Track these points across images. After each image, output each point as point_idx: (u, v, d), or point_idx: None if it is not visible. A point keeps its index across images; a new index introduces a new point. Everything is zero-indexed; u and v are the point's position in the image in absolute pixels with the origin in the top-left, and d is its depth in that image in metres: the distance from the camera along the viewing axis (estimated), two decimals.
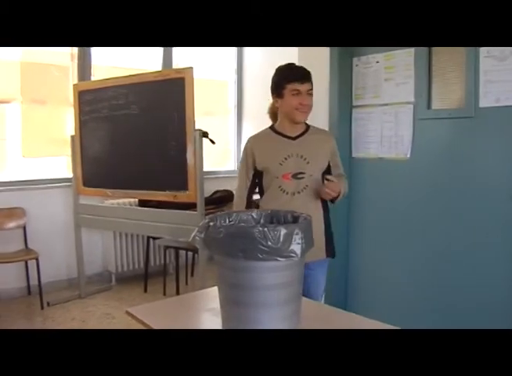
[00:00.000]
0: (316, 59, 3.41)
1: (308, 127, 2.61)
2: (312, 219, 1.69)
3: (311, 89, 2.47)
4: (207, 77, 5.95)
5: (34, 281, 4.59)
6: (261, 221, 1.81)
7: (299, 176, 2.49)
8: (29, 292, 4.72)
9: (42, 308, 4.39)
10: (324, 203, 2.58)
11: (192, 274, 5.15)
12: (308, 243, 1.54)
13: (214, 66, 6.05)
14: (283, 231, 1.46)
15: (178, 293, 4.49)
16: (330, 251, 2.62)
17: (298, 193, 2.50)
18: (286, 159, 2.50)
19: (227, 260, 1.54)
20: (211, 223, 1.56)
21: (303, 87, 2.44)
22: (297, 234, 1.49)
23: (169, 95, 3.88)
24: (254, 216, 1.80)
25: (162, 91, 3.93)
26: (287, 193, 2.50)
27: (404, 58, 3.17)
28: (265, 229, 1.45)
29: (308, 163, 2.50)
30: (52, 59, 5.10)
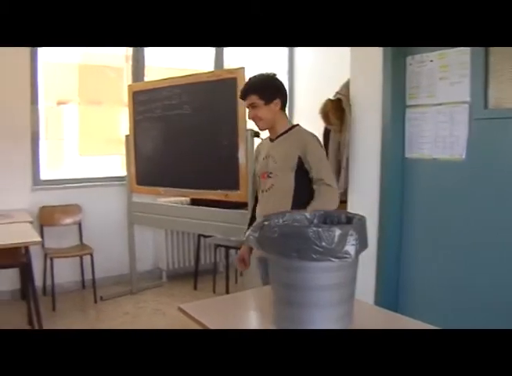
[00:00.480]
0: (369, 59, 3.38)
1: (291, 128, 2.72)
2: None
3: (253, 103, 2.62)
4: None
5: (88, 276, 4.73)
6: (315, 221, 1.80)
7: (270, 175, 2.66)
8: (83, 286, 4.87)
9: (96, 302, 4.53)
10: (295, 201, 2.60)
11: (241, 273, 5.18)
12: (362, 244, 1.53)
13: (265, 66, 6.06)
14: (337, 232, 1.45)
15: (227, 291, 4.53)
16: None
17: (267, 191, 2.68)
18: (264, 159, 2.73)
19: (281, 260, 1.54)
20: (266, 223, 1.57)
21: (245, 103, 2.68)
22: (351, 235, 1.48)
23: (221, 95, 3.92)
24: (308, 216, 1.80)
25: (214, 91, 3.98)
26: (262, 191, 2.73)
27: (459, 57, 3.09)
28: (320, 229, 1.45)
29: (275, 163, 2.64)
30: (107, 61, 5.25)
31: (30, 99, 4.60)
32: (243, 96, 2.67)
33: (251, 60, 5.41)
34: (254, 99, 2.62)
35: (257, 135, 3.72)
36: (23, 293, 4.43)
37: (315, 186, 2.57)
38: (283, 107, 2.72)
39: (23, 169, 4.58)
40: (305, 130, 2.76)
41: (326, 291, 1.54)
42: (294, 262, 1.49)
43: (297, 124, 2.77)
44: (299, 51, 6.04)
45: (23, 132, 4.57)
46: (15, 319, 4.08)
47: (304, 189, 2.59)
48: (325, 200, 2.57)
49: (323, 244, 1.44)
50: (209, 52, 5.51)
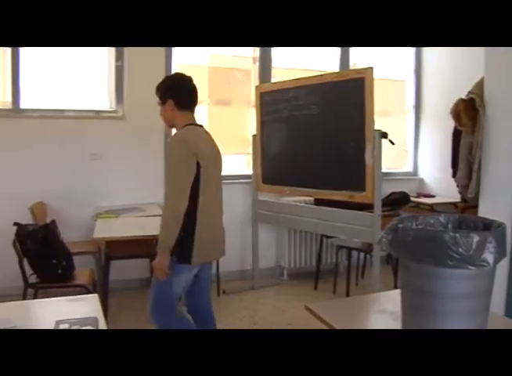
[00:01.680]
0: (506, 57, 3.19)
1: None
2: None
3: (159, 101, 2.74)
4: (383, 77, 5.85)
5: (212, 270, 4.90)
6: (449, 226, 1.74)
7: None
8: None
9: (218, 295, 4.69)
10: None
11: (362, 275, 5.11)
12: (501, 252, 1.44)
13: (391, 65, 5.93)
14: (475, 238, 1.39)
15: (348, 293, 4.48)
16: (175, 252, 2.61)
17: None
18: None
19: (414, 264, 1.50)
20: (400, 225, 1.54)
21: None
22: (490, 242, 1.40)
23: (348, 96, 3.89)
24: (442, 220, 1.74)
25: (341, 91, 3.96)
26: None
27: None
28: (457, 234, 1.39)
29: None
30: (235, 63, 5.41)
31: None
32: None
33: (375, 59, 5.32)
34: (158, 98, 2.75)
35: (384, 136, 3.66)
36: (151, 282, 4.70)
37: None
38: (181, 108, 2.70)
39: (156, 166, 4.88)
40: (179, 131, 2.69)
41: (460, 300, 1.48)
42: (429, 268, 1.45)
43: (187, 125, 2.69)
44: (427, 49, 5.84)
45: (157, 132, 4.85)
46: (143, 306, 4.31)
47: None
48: (161, 223, 2.59)
49: (460, 250, 1.38)
50: (334, 52, 5.50)
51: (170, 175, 2.64)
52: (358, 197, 3.83)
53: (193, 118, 2.77)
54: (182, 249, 2.64)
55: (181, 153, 2.57)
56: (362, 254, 4.95)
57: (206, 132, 2.82)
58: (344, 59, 5.52)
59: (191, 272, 2.75)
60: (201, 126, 2.80)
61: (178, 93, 2.72)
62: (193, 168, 2.57)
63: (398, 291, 1.68)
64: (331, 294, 4.69)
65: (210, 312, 3.07)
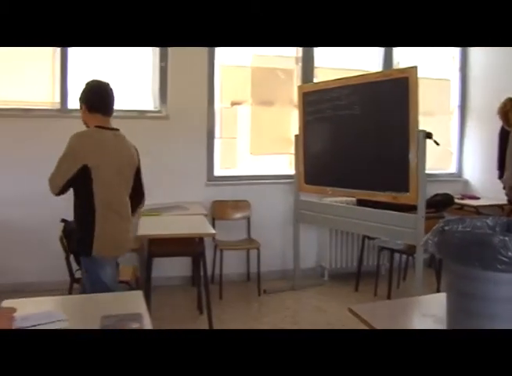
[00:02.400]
0: None
1: None
2: None
3: None
4: (427, 76, 5.75)
5: (253, 269, 4.96)
6: (497, 229, 1.70)
7: None
8: (248, 278, 5.10)
9: (259, 294, 4.71)
10: None
11: (404, 278, 5.04)
12: None
13: (435, 64, 5.82)
14: None
15: (389, 296, 4.43)
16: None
17: None
18: None
19: (461, 267, 1.47)
20: (446, 228, 1.52)
21: None
22: None
23: (392, 95, 3.85)
24: (489, 223, 1.70)
25: (384, 91, 3.92)
26: None
27: None
28: (506, 238, 1.36)
29: None
30: (278, 63, 5.41)
31: (207, 100, 4.95)
32: None
33: (419, 59, 5.24)
34: None
35: (429, 136, 3.60)
36: (193, 280, 4.78)
37: None
38: (91, 111, 2.90)
39: (199, 165, 4.94)
40: (82, 131, 2.90)
41: (509, 304, 1.44)
42: (476, 272, 1.42)
43: (96, 127, 2.90)
44: (473, 50, 5.71)
45: (200, 131, 4.93)
46: (185, 304, 4.43)
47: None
48: None
49: (510, 254, 1.35)
50: (377, 51, 5.44)
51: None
52: (402, 198, 3.78)
53: (105, 121, 2.95)
54: (85, 245, 2.81)
55: (68, 151, 2.83)
56: (404, 257, 4.88)
57: (116, 136, 2.99)
58: (388, 58, 5.46)
59: (106, 265, 2.89)
60: (113, 129, 3.00)
61: (89, 98, 2.93)
62: (71, 168, 2.79)
63: (442, 295, 1.65)
64: (372, 296, 4.64)
65: None
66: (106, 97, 2.97)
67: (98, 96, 2.95)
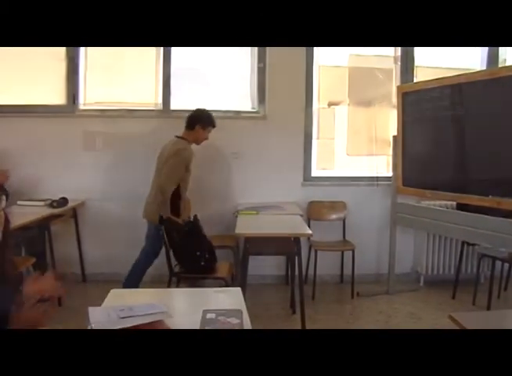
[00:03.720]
0: None
1: None
2: None
3: None
4: None
5: (346, 271, 4.93)
6: None
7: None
8: (341, 280, 5.08)
9: (352, 297, 4.67)
10: None
11: (505, 288, 4.78)
12: None
13: None
14: None
15: (489, 306, 4.21)
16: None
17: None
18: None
19: None
20: None
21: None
22: None
23: (500, 95, 3.64)
24: None
25: (491, 90, 3.73)
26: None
27: None
28: None
29: None
30: (376, 63, 5.33)
31: (305, 100, 4.98)
32: None
33: None
34: None
35: None
36: (287, 279, 4.82)
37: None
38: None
39: (296, 166, 4.99)
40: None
41: None
42: None
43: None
44: None
45: (297, 132, 4.97)
46: (278, 302, 4.48)
47: None
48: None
49: None
50: (480, 49, 5.20)
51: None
52: (507, 204, 3.59)
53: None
54: None
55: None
56: (506, 265, 4.63)
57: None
58: (493, 56, 5.19)
59: None
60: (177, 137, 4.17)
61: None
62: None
63: None
64: (470, 305, 4.43)
65: None
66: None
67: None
